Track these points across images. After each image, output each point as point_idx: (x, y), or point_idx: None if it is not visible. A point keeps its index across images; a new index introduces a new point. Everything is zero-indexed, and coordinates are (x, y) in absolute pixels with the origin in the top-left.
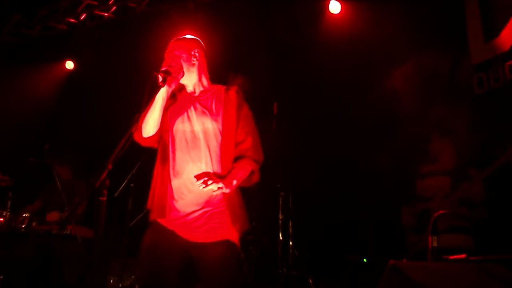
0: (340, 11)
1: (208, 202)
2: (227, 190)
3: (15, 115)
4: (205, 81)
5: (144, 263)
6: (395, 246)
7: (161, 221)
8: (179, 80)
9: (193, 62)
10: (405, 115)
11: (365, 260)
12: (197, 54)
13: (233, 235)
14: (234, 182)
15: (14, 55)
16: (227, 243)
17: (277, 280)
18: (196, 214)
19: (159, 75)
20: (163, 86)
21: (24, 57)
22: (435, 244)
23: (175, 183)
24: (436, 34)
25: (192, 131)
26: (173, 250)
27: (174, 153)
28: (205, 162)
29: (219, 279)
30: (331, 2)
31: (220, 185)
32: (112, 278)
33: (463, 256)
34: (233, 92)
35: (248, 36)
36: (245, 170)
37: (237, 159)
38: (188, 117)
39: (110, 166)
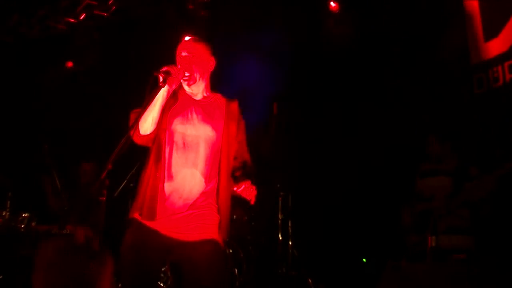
0: (340, 11)
1: (196, 206)
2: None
3: (15, 115)
4: (208, 89)
5: (127, 263)
6: (395, 246)
7: (145, 221)
8: (180, 80)
9: (207, 70)
10: (406, 114)
11: (365, 260)
12: (211, 63)
13: (218, 236)
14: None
15: (13, 55)
16: (213, 242)
17: (277, 280)
18: (183, 214)
19: (159, 76)
20: (163, 87)
21: (24, 57)
22: (434, 244)
23: (167, 185)
24: (436, 33)
25: (192, 135)
26: (156, 249)
27: (170, 154)
28: (200, 169)
29: (205, 277)
30: (331, 1)
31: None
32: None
33: (463, 256)
34: (235, 105)
35: (247, 36)
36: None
37: (237, 170)
38: (190, 119)
39: (109, 166)
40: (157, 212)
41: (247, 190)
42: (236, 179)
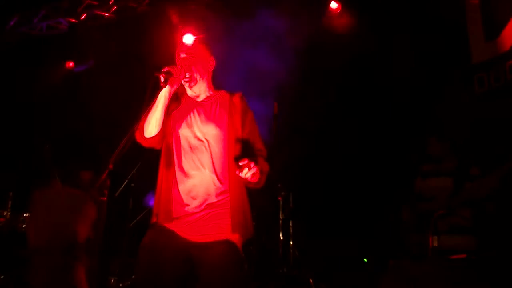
0: (340, 11)
1: (211, 206)
2: (253, 171)
3: (15, 115)
4: (210, 88)
5: (143, 263)
6: (395, 246)
7: (162, 223)
8: (181, 81)
9: (207, 70)
10: (406, 114)
11: (365, 260)
12: (211, 63)
13: (234, 236)
14: (261, 171)
15: (14, 55)
16: (228, 243)
17: (277, 280)
18: (198, 215)
19: (160, 76)
20: (164, 87)
21: (24, 57)
22: (435, 244)
23: (180, 188)
24: (436, 33)
25: (196, 137)
26: (173, 250)
27: (179, 157)
28: (209, 168)
29: (220, 278)
30: (331, 2)
31: (254, 170)
32: (112, 278)
33: (463, 256)
34: (237, 98)
35: (248, 36)
36: (267, 166)
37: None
38: (192, 122)
39: (111, 166)
40: (173, 215)
41: (243, 170)
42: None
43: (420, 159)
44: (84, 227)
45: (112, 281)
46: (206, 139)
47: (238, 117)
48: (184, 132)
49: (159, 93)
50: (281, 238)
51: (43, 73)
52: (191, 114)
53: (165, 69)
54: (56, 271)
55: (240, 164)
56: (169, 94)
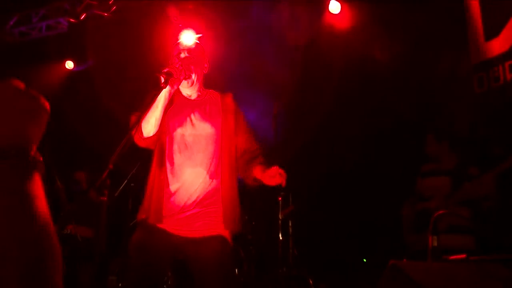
0: (340, 11)
1: (203, 204)
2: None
3: None
4: (201, 88)
5: (134, 262)
6: (395, 246)
7: (152, 222)
8: (181, 81)
9: (203, 72)
10: (406, 114)
11: (365, 260)
12: (206, 65)
13: (225, 232)
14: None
15: (14, 55)
16: (220, 238)
17: (277, 280)
18: (190, 213)
19: (161, 76)
20: (165, 87)
21: (24, 57)
22: (435, 244)
23: (173, 187)
24: (436, 33)
25: (192, 135)
26: (164, 248)
27: (172, 156)
28: (204, 167)
29: (212, 273)
30: (331, 1)
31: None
32: (112, 278)
33: (463, 256)
34: (229, 98)
35: (248, 36)
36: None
37: (251, 160)
38: (188, 120)
39: (110, 166)
40: (164, 213)
41: (273, 177)
42: (261, 171)
43: (420, 158)
44: (36, 128)
45: (111, 280)
46: (200, 138)
47: (231, 117)
48: (179, 130)
49: (159, 93)
50: (281, 238)
51: (43, 73)
52: (186, 113)
53: (165, 70)
54: (6, 176)
55: (271, 175)
56: (169, 94)
